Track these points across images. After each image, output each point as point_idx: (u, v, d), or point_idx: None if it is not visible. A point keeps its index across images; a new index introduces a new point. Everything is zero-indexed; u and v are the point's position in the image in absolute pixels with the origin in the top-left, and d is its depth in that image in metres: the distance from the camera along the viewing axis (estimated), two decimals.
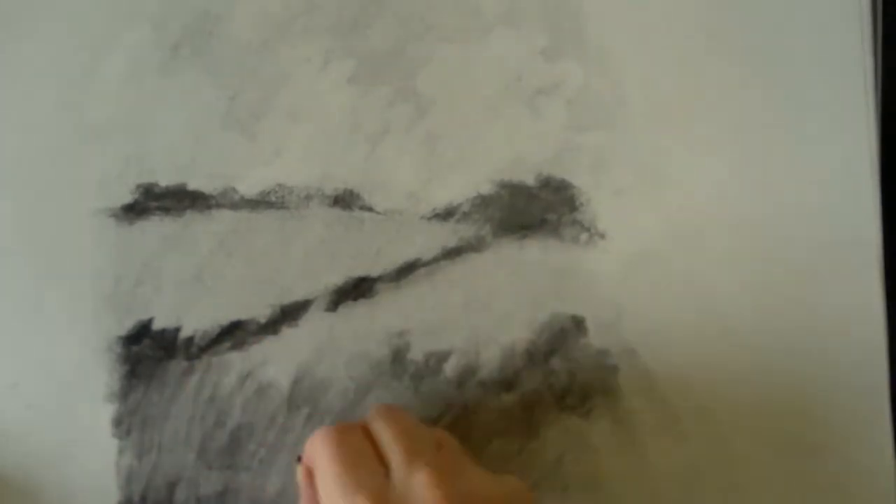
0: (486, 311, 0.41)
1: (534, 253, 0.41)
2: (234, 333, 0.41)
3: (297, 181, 0.41)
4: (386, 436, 0.35)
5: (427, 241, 0.41)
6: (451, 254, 0.41)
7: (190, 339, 0.41)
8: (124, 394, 0.40)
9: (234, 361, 0.41)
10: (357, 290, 0.41)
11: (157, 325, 0.41)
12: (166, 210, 0.40)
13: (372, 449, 0.35)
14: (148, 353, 0.40)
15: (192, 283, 0.41)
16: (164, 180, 0.41)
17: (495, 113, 0.41)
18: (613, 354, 0.41)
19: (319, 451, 0.34)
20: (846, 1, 0.41)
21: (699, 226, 0.41)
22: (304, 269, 0.41)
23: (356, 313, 0.41)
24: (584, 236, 0.41)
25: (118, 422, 0.40)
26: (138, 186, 0.40)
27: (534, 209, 0.41)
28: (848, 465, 0.41)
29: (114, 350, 0.40)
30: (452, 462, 0.35)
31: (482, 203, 0.41)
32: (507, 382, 0.41)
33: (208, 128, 0.41)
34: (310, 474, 0.35)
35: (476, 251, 0.41)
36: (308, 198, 0.41)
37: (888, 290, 0.41)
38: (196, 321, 0.41)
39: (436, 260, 0.41)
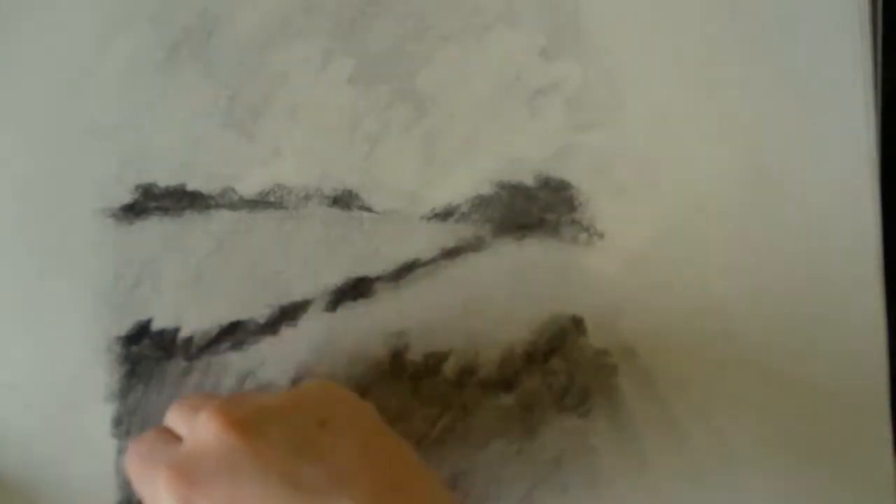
0: (485, 311, 0.41)
1: (533, 253, 0.41)
2: (233, 333, 0.41)
3: (296, 181, 0.41)
4: (171, 414, 0.35)
5: (426, 241, 0.41)
6: (450, 254, 0.41)
7: (189, 340, 0.41)
8: (123, 394, 0.40)
9: (234, 361, 0.41)
10: (356, 290, 0.41)
11: (157, 325, 0.41)
12: (165, 210, 0.41)
13: (166, 434, 0.34)
14: (147, 353, 0.41)
15: (192, 283, 0.41)
16: (163, 180, 0.41)
17: (494, 113, 0.41)
18: (613, 354, 0.41)
19: (126, 465, 0.35)
20: (846, 1, 0.40)
21: (698, 225, 0.41)
22: (303, 270, 0.41)
23: (355, 313, 0.41)
24: (583, 236, 0.41)
25: (117, 422, 0.40)
26: (137, 187, 0.40)
27: (533, 209, 0.41)
28: (848, 465, 0.41)
29: (113, 350, 0.40)
30: (246, 395, 0.35)
31: (481, 203, 0.41)
32: (506, 383, 0.41)
33: (207, 128, 0.41)
34: None
35: (475, 251, 0.41)
36: (307, 198, 0.41)
37: (888, 290, 0.41)
38: (195, 321, 0.41)
39: (435, 260, 0.41)
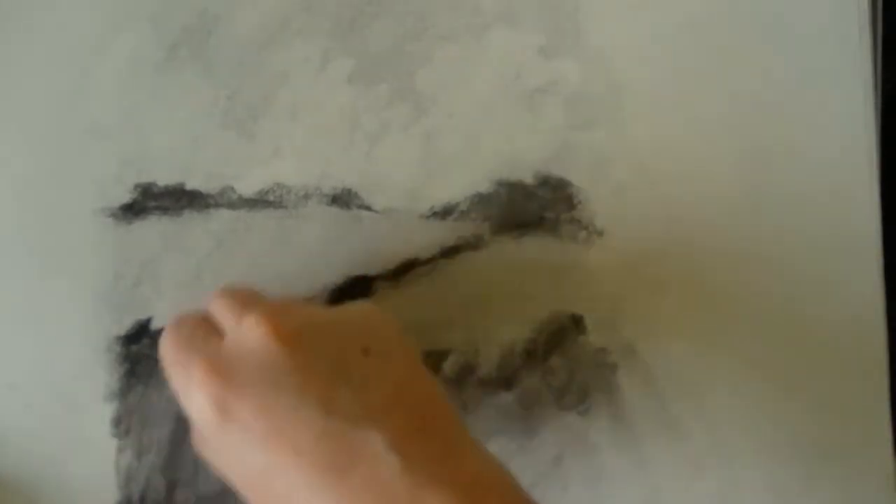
0: (484, 309, 0.41)
1: (532, 251, 0.41)
2: None
3: (296, 180, 0.41)
4: (214, 304, 0.34)
5: (425, 239, 0.41)
6: (450, 252, 0.41)
7: None
8: (123, 393, 0.40)
9: None
10: (355, 288, 0.41)
11: (156, 324, 0.41)
12: (165, 210, 0.41)
13: (207, 324, 0.34)
14: (147, 352, 0.40)
15: (191, 282, 0.41)
16: (163, 180, 0.41)
17: (493, 111, 0.41)
18: (612, 352, 0.41)
19: (160, 346, 0.34)
20: (846, 1, 0.40)
21: (697, 223, 0.41)
22: (303, 269, 0.41)
23: None
24: (582, 234, 0.41)
25: (117, 421, 0.40)
26: (136, 186, 0.41)
27: (532, 207, 0.41)
28: (848, 465, 0.41)
29: (113, 350, 0.40)
30: (295, 305, 0.34)
31: (480, 201, 0.41)
32: (505, 381, 0.41)
33: (206, 127, 0.41)
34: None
35: (474, 250, 0.41)
36: (306, 197, 0.41)
37: (888, 290, 0.41)
38: None
39: (434, 259, 0.41)
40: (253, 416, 0.30)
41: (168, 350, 0.34)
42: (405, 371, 0.33)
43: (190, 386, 0.31)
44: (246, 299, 0.34)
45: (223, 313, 0.34)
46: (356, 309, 0.35)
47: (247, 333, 0.31)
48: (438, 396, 0.33)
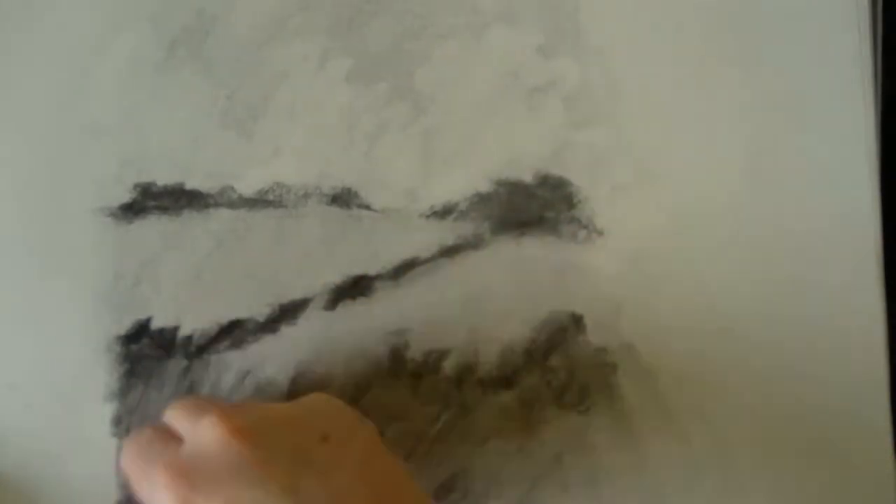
0: (484, 309, 0.41)
1: (532, 250, 0.41)
2: (232, 332, 0.41)
3: (295, 180, 0.41)
4: (170, 413, 0.35)
5: (425, 239, 0.41)
6: (450, 252, 0.41)
7: (189, 338, 0.41)
8: (123, 393, 0.40)
9: (233, 360, 0.41)
10: (355, 288, 0.41)
11: (156, 324, 0.41)
12: (164, 209, 0.41)
13: (164, 433, 0.34)
14: (147, 352, 0.40)
15: (191, 282, 0.41)
16: (162, 179, 0.41)
17: (493, 110, 0.41)
18: (612, 352, 0.41)
19: (122, 462, 0.35)
20: (846, 1, 0.40)
21: (697, 223, 0.41)
22: (303, 268, 0.41)
23: (355, 312, 0.41)
24: (582, 233, 0.41)
25: (117, 421, 0.40)
26: (136, 186, 0.41)
27: (532, 207, 0.41)
28: (848, 465, 0.41)
29: (113, 349, 0.40)
30: (249, 404, 0.35)
31: (480, 201, 0.41)
32: (505, 380, 0.41)
33: (206, 127, 0.41)
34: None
35: (474, 249, 0.41)
36: (306, 196, 0.41)
37: (888, 290, 0.41)
38: (195, 320, 0.41)
39: (434, 258, 0.41)
40: None
41: (129, 463, 0.34)
42: (365, 452, 0.33)
43: (155, 493, 0.31)
44: (200, 405, 0.34)
45: (179, 420, 0.34)
46: (310, 400, 0.35)
47: (204, 434, 0.32)
48: (402, 475, 0.34)
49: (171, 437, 0.34)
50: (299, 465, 0.31)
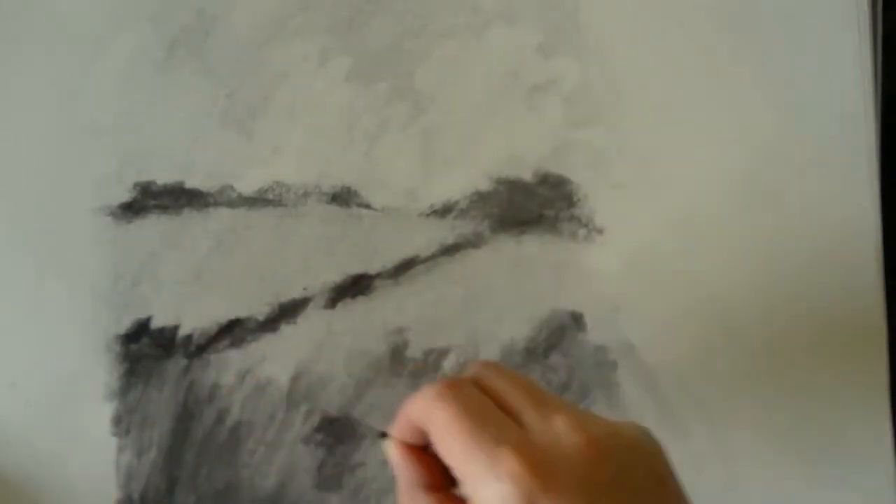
0: (484, 307, 0.41)
1: (532, 249, 0.41)
2: (232, 331, 0.41)
3: (295, 179, 0.41)
4: (505, 386, 0.31)
5: (425, 237, 0.41)
6: (450, 250, 0.41)
7: (188, 338, 0.41)
8: (123, 392, 0.40)
9: (233, 359, 0.41)
10: (355, 287, 0.41)
11: (156, 323, 0.41)
12: (164, 208, 0.41)
13: (491, 402, 0.30)
14: (147, 351, 0.41)
15: (191, 281, 0.41)
16: (162, 179, 0.41)
17: (493, 109, 0.41)
18: (612, 350, 0.41)
19: (437, 411, 0.30)
20: (846, 1, 0.41)
21: (697, 221, 0.41)
22: (303, 267, 0.41)
23: (355, 310, 0.41)
24: (582, 232, 0.41)
25: (117, 420, 0.40)
26: (136, 185, 0.41)
27: (532, 205, 0.41)
28: (848, 465, 0.41)
29: (113, 349, 0.40)
30: (590, 415, 0.31)
31: (480, 199, 0.41)
32: None
33: (206, 126, 0.41)
34: (409, 450, 0.31)
35: (474, 247, 0.41)
36: (306, 195, 0.41)
37: (888, 290, 0.41)
38: (194, 319, 0.41)
39: (434, 257, 0.41)
40: None
41: (454, 419, 0.30)
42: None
43: (495, 471, 0.28)
44: (537, 390, 0.31)
45: (516, 397, 0.31)
46: (637, 428, 0.31)
47: (560, 435, 0.29)
48: None
49: (508, 415, 0.30)
50: (645, 494, 0.29)
